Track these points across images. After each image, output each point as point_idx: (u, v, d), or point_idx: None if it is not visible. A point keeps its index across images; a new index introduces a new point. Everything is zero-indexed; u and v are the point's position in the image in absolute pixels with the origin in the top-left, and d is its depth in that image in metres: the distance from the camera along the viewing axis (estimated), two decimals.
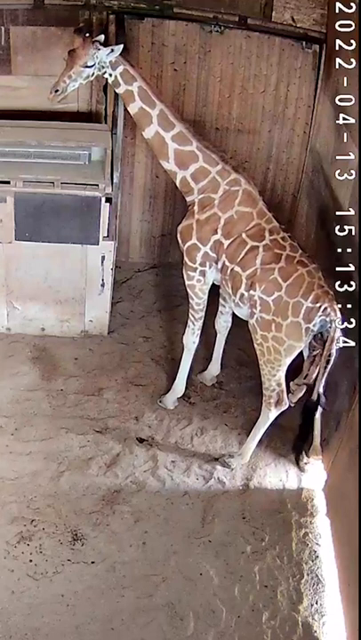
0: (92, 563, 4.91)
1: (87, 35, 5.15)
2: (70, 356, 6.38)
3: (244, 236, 5.30)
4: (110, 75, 5.18)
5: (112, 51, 5.11)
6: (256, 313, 5.22)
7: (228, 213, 5.33)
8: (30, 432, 5.68)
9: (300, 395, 5.65)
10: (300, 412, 5.46)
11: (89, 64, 5.12)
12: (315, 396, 5.24)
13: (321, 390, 5.23)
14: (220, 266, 5.44)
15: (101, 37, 5.21)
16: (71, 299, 6.38)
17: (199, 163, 5.32)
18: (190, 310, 5.74)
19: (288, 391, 5.49)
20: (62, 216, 5.97)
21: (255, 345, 5.32)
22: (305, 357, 5.46)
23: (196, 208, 5.42)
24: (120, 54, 5.14)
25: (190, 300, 5.70)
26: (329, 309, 5.02)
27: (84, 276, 6.26)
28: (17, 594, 4.67)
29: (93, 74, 5.20)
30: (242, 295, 5.33)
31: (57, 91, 5.22)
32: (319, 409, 5.44)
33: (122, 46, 5.15)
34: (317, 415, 5.59)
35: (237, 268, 5.30)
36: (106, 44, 5.25)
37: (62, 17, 6.21)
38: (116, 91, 5.29)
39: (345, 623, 4.68)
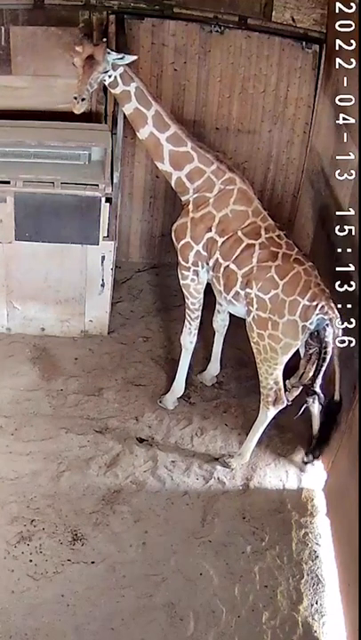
0: (92, 563, 4.91)
1: (104, 40, 5.13)
2: (70, 356, 6.38)
3: (239, 233, 5.30)
4: (110, 76, 5.14)
5: (122, 57, 5.07)
6: (253, 311, 5.22)
7: (222, 212, 5.34)
8: (30, 432, 5.68)
9: (297, 393, 5.64)
10: (324, 414, 5.42)
11: (107, 69, 5.08)
12: (337, 397, 5.17)
13: (318, 389, 5.21)
14: (211, 264, 5.44)
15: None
16: (71, 299, 6.38)
17: (194, 163, 5.33)
18: (187, 310, 5.75)
19: (285, 389, 5.49)
20: (62, 216, 5.97)
21: (252, 343, 5.32)
22: (301, 356, 5.46)
23: (191, 207, 5.42)
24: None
25: (186, 300, 5.71)
26: (326, 307, 5.03)
27: (84, 275, 6.26)
28: (17, 594, 4.67)
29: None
30: (236, 293, 5.33)
31: (83, 99, 5.12)
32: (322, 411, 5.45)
33: (134, 58, 5.14)
34: (316, 414, 5.60)
35: (233, 266, 5.30)
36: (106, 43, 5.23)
37: (62, 17, 6.20)
38: (113, 91, 5.26)
39: (345, 623, 4.68)
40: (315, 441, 5.61)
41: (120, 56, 5.08)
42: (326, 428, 5.42)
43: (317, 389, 5.19)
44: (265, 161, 6.99)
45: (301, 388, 5.51)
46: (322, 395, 5.22)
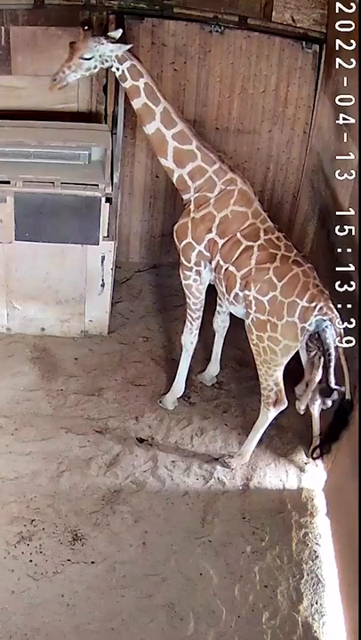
0: (92, 563, 4.91)
1: (86, 28, 5.19)
2: (70, 356, 6.38)
3: (238, 235, 5.30)
4: (117, 69, 5.15)
5: (119, 48, 5.08)
6: (251, 313, 5.22)
7: (222, 212, 5.33)
8: (30, 432, 5.68)
9: (307, 401, 5.58)
10: (335, 413, 5.30)
11: (86, 56, 5.09)
12: (349, 396, 5.11)
13: (335, 385, 5.16)
14: (213, 265, 5.44)
15: (117, 33, 5.20)
16: (71, 299, 6.38)
17: (197, 162, 5.33)
18: (188, 310, 5.75)
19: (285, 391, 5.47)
20: (62, 216, 5.97)
21: (251, 345, 5.32)
22: (303, 360, 5.44)
23: (192, 207, 5.43)
24: (129, 50, 5.12)
25: (187, 300, 5.71)
26: (325, 309, 5.02)
27: (84, 275, 6.26)
28: (17, 594, 4.67)
29: (96, 67, 5.15)
30: (236, 295, 5.33)
31: (54, 80, 5.21)
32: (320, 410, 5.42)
33: (128, 46, 5.13)
34: (316, 415, 5.60)
35: (232, 268, 5.30)
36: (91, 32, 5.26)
37: (62, 17, 6.20)
38: (122, 85, 5.27)
39: (345, 623, 4.69)
40: (323, 437, 5.50)
41: (113, 46, 5.09)
42: (337, 426, 5.27)
43: (334, 385, 5.09)
44: (265, 161, 6.99)
45: (316, 391, 5.45)
46: (341, 388, 5.09)
